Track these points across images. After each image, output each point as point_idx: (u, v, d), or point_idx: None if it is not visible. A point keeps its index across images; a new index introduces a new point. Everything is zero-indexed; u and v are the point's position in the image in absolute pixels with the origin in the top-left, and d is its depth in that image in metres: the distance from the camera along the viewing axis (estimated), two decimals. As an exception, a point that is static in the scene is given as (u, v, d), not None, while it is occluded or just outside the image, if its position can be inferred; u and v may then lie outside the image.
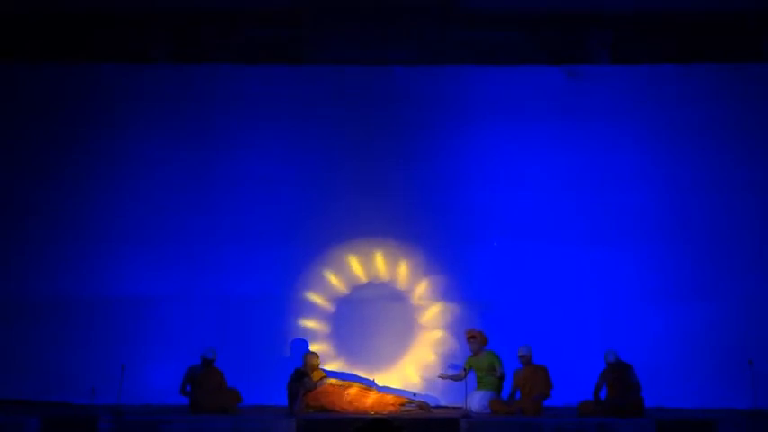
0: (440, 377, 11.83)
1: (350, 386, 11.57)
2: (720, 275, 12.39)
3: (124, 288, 12.36)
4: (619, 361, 11.21)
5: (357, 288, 12.61)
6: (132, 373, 11.06)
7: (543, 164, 12.70)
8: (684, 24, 12.93)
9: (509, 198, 12.64)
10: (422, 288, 12.57)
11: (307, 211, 12.58)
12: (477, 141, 12.76)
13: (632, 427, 10.24)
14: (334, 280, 12.59)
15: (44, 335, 12.19)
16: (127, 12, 12.83)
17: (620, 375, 11.15)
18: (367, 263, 12.63)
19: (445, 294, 12.52)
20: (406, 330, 12.49)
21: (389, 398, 11.51)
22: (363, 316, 12.46)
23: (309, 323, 12.47)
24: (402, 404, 11.42)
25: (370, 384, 11.93)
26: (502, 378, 11.53)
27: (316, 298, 12.53)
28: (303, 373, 11.45)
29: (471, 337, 11.72)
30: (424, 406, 11.53)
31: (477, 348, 11.64)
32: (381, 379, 12.16)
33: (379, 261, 12.63)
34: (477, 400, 11.32)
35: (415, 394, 11.92)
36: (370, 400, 11.40)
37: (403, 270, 12.61)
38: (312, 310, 12.51)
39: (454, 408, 11.61)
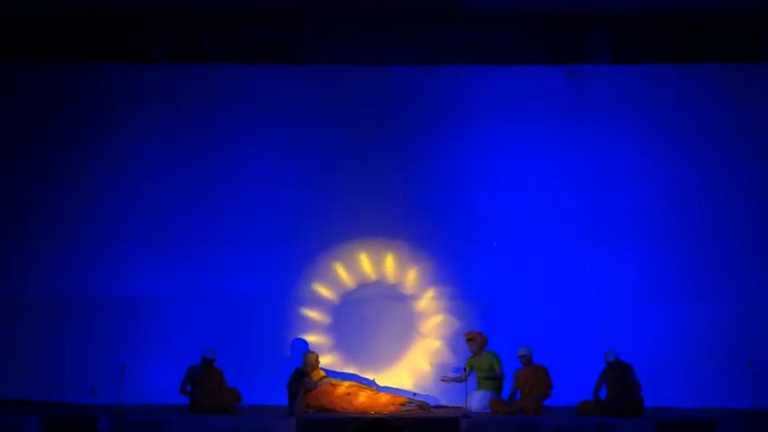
0: (442, 380, 11.80)
1: (350, 386, 11.57)
2: (720, 275, 12.39)
3: (124, 288, 12.36)
4: (619, 361, 11.21)
5: (357, 288, 12.61)
6: (132, 373, 11.06)
7: (543, 164, 12.70)
8: (684, 24, 12.93)
9: (509, 198, 12.64)
10: (422, 288, 12.56)
11: (307, 212, 12.58)
12: (477, 141, 12.77)
13: (632, 427, 10.25)
14: (333, 280, 12.59)
15: (44, 335, 12.19)
16: (127, 12, 12.83)
17: (619, 375, 11.15)
18: (366, 263, 12.63)
19: (445, 294, 12.51)
20: (407, 330, 12.49)
21: (389, 398, 11.51)
22: (364, 315, 12.47)
23: (309, 323, 12.46)
24: (402, 404, 11.42)
25: (370, 384, 11.93)
26: (501, 378, 11.53)
27: (315, 298, 12.52)
28: (303, 373, 11.45)
29: (470, 339, 11.71)
30: (424, 406, 11.53)
31: (476, 350, 11.65)
32: (381, 379, 12.15)
33: (379, 261, 12.62)
34: (477, 400, 11.32)
35: (415, 394, 11.92)
36: (370, 400, 11.40)
37: (403, 270, 12.61)
38: (312, 309, 12.50)
39: (454, 408, 11.61)
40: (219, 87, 12.85)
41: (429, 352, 12.43)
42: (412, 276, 12.59)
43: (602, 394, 11.28)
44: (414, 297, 12.56)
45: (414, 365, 12.38)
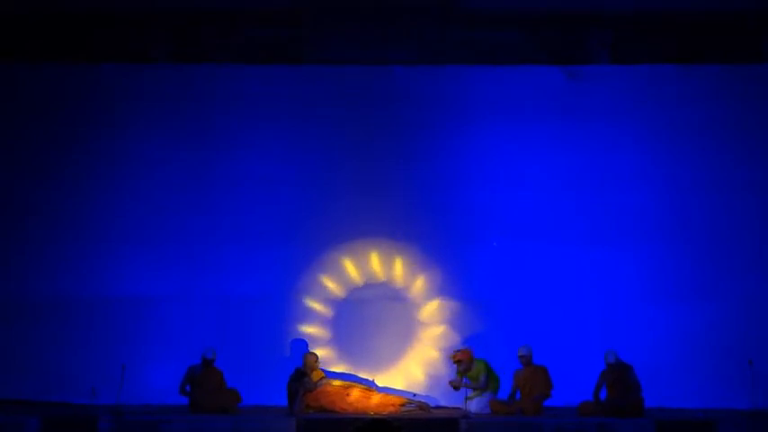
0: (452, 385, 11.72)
1: (350, 386, 11.57)
2: (720, 275, 12.38)
3: (124, 288, 12.35)
4: (619, 361, 11.21)
5: (357, 288, 12.61)
6: (132, 373, 11.07)
7: (543, 164, 12.69)
8: (684, 24, 12.92)
9: (509, 198, 12.63)
10: (422, 288, 12.56)
11: (307, 212, 12.58)
12: (477, 141, 12.76)
13: (632, 427, 10.26)
14: (334, 280, 12.59)
15: (44, 335, 12.19)
16: (127, 12, 12.82)
17: (620, 376, 11.15)
18: (367, 263, 12.63)
19: (445, 294, 12.51)
20: (406, 331, 12.49)
21: (389, 398, 11.51)
22: (363, 316, 12.46)
23: (309, 323, 12.46)
24: (402, 404, 11.42)
25: (369, 385, 11.93)
26: (483, 389, 11.41)
27: (316, 298, 12.53)
28: (303, 373, 11.45)
29: (458, 361, 11.59)
30: (423, 406, 11.52)
31: (465, 369, 11.50)
32: (381, 380, 12.15)
33: (380, 261, 12.62)
34: (476, 401, 11.33)
35: (414, 394, 11.92)
36: (370, 400, 11.40)
37: (403, 270, 12.61)
38: (312, 310, 12.50)
39: (454, 408, 11.61)
40: (219, 87, 12.84)
41: (425, 360, 12.40)
42: (412, 275, 12.58)
43: (603, 395, 11.28)
44: (411, 297, 12.54)
45: (408, 372, 12.36)
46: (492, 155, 12.74)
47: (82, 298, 12.33)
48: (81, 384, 11.40)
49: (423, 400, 11.68)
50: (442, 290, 12.53)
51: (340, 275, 12.60)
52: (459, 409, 11.26)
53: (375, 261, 12.63)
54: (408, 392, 12.00)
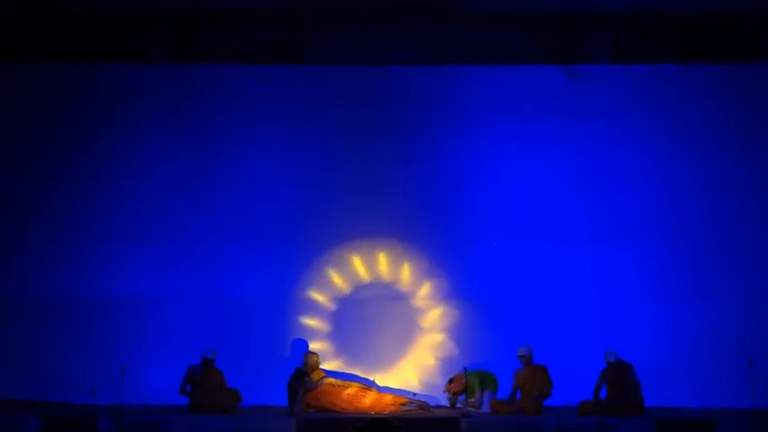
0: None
1: (350, 386, 11.57)
2: (720, 275, 12.38)
3: (124, 288, 12.35)
4: (619, 361, 11.21)
5: (357, 288, 12.61)
6: (132, 373, 11.07)
7: (543, 164, 12.69)
8: (684, 24, 12.92)
9: (509, 198, 12.63)
10: (422, 288, 12.57)
11: (307, 212, 12.58)
12: (477, 141, 12.76)
13: (632, 426, 10.26)
14: (334, 280, 12.59)
15: (44, 335, 12.19)
16: (127, 12, 12.82)
17: (620, 375, 11.15)
18: (367, 263, 12.63)
19: (445, 294, 12.51)
20: (407, 331, 12.49)
21: (389, 398, 11.51)
22: (364, 316, 12.46)
23: (310, 323, 12.47)
24: (402, 404, 11.42)
25: (369, 384, 11.93)
26: (477, 408, 11.40)
27: (316, 298, 12.53)
28: (303, 373, 11.45)
29: (454, 393, 11.56)
30: (423, 406, 11.52)
31: (461, 391, 11.49)
32: (381, 379, 12.15)
33: (379, 261, 12.63)
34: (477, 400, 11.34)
35: (414, 394, 11.92)
36: (370, 399, 11.40)
37: (403, 270, 12.61)
38: (312, 310, 12.51)
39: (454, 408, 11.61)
40: (219, 87, 12.84)
41: (433, 346, 12.41)
42: (412, 275, 12.58)
43: (603, 394, 11.28)
44: (411, 296, 12.55)
45: (415, 364, 12.37)
46: (492, 155, 12.74)
47: (82, 298, 12.33)
48: (81, 384, 11.40)
49: (423, 400, 11.68)
50: (442, 289, 12.53)
51: (340, 275, 12.60)
52: (459, 408, 11.26)
53: (374, 261, 12.62)
54: (408, 392, 12.00)
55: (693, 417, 10.73)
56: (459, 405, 11.49)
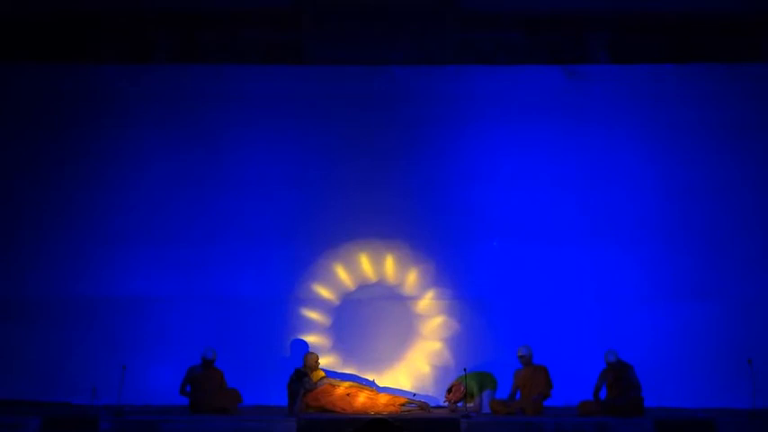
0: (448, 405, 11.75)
1: (350, 386, 11.57)
2: (720, 275, 12.39)
3: (124, 288, 12.36)
4: (619, 361, 11.21)
5: (357, 288, 12.61)
6: (132, 374, 11.06)
7: (543, 164, 12.70)
8: (684, 24, 12.93)
9: (509, 198, 12.64)
10: (421, 288, 12.56)
11: (307, 212, 12.59)
12: (477, 141, 12.77)
13: (632, 427, 10.25)
14: (334, 280, 12.59)
15: (44, 335, 12.20)
16: (127, 12, 12.84)
17: (619, 375, 11.15)
18: (366, 263, 12.63)
19: (445, 294, 12.51)
20: (406, 332, 12.49)
21: (389, 398, 11.50)
22: (364, 316, 12.46)
23: (310, 322, 12.46)
24: (402, 404, 11.42)
25: (369, 385, 11.94)
26: (477, 411, 11.39)
27: (316, 298, 12.52)
28: (303, 374, 11.45)
29: (455, 402, 11.51)
30: (423, 406, 11.53)
31: (461, 396, 11.49)
32: (381, 379, 12.16)
33: (379, 262, 12.62)
34: (477, 401, 11.33)
35: (414, 394, 11.93)
36: (370, 400, 11.40)
37: (403, 270, 12.61)
38: (312, 309, 12.51)
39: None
40: (219, 87, 12.85)
41: (429, 353, 12.42)
42: (412, 277, 12.59)
43: (603, 394, 11.28)
44: (414, 298, 12.55)
45: (413, 367, 12.38)
46: (492, 154, 12.75)
47: (82, 298, 12.34)
48: (81, 384, 11.40)
49: (423, 400, 11.68)
50: (442, 289, 12.53)
51: (340, 275, 12.60)
52: (459, 408, 11.26)
53: (374, 261, 12.62)
54: (408, 392, 12.00)
55: (693, 417, 10.73)
56: (459, 412, 11.44)
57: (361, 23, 12.83)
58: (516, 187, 12.66)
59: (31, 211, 12.61)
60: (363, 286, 12.61)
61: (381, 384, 12.08)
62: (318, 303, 12.52)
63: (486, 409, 11.32)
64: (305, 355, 11.73)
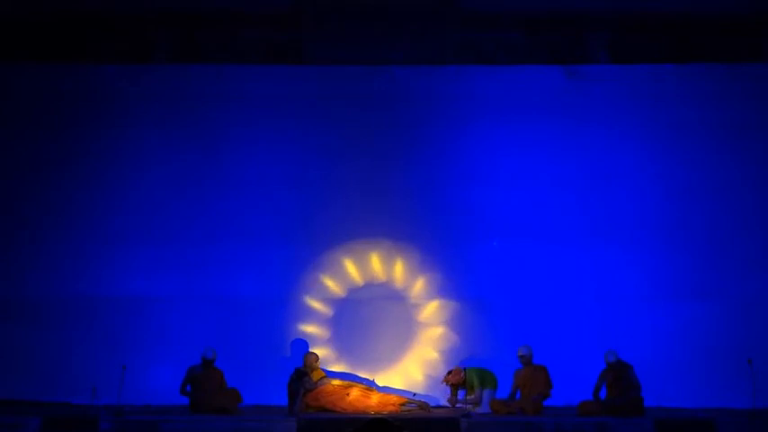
0: (448, 402, 11.77)
1: (350, 386, 11.57)
2: (720, 275, 12.39)
3: (124, 288, 12.35)
4: (619, 361, 11.21)
5: (357, 288, 12.61)
6: (132, 373, 11.06)
7: (543, 163, 12.70)
8: (684, 24, 12.93)
9: (509, 198, 12.64)
10: (421, 288, 12.56)
11: (307, 212, 12.59)
12: (477, 141, 12.77)
13: (632, 427, 10.25)
14: (334, 280, 12.59)
15: (44, 335, 12.19)
16: (127, 12, 12.83)
17: (619, 375, 11.15)
18: (367, 263, 12.63)
19: (445, 294, 12.51)
20: (406, 331, 12.49)
21: (389, 398, 11.50)
22: (363, 316, 12.46)
23: (309, 324, 12.47)
24: (402, 404, 11.41)
25: (370, 384, 11.94)
26: (477, 404, 11.41)
27: (316, 298, 12.53)
28: (303, 373, 11.45)
29: (452, 385, 11.61)
30: (424, 406, 11.52)
31: (459, 384, 11.55)
32: (384, 378, 12.16)
33: (380, 261, 12.63)
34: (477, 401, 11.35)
35: (414, 394, 11.92)
36: (370, 399, 11.40)
37: (403, 270, 12.61)
38: (312, 310, 12.51)
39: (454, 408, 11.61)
40: (219, 87, 12.85)
41: (424, 360, 12.41)
42: (410, 276, 12.58)
43: (602, 394, 11.28)
44: (411, 296, 12.54)
45: (414, 364, 12.37)
46: (492, 154, 12.75)
47: (82, 298, 12.33)
48: (81, 384, 11.39)
49: (423, 400, 11.67)
50: (442, 290, 12.53)
51: (340, 275, 12.60)
52: (459, 408, 11.26)
53: (375, 261, 12.63)
54: (408, 392, 12.00)
55: (693, 417, 10.73)
56: (459, 404, 11.49)
57: (361, 23, 12.83)
58: (516, 187, 12.66)
59: (31, 211, 12.61)
60: (363, 286, 12.61)
61: (381, 384, 12.08)
62: (318, 303, 12.52)
63: (486, 409, 11.31)
64: (305, 355, 11.74)
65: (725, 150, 12.63)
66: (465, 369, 11.52)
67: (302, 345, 12.15)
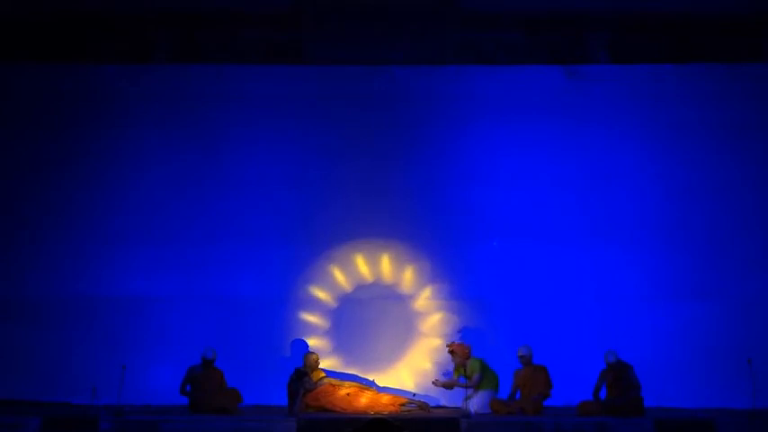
0: (433, 384, 11.80)
1: (350, 386, 11.58)
2: (720, 275, 12.39)
3: (124, 288, 12.35)
4: (619, 361, 11.21)
5: (357, 288, 12.61)
6: (132, 373, 11.05)
7: (543, 164, 12.70)
8: (684, 24, 12.93)
9: (509, 198, 12.64)
10: (421, 288, 12.56)
11: (307, 212, 12.59)
12: (477, 141, 12.77)
13: (631, 426, 10.25)
14: (334, 280, 12.59)
15: (44, 335, 12.19)
16: (127, 12, 12.83)
17: (619, 375, 11.15)
18: (366, 263, 12.63)
19: (445, 294, 12.51)
20: (406, 331, 12.49)
21: (389, 398, 11.50)
22: (364, 316, 12.46)
23: (310, 322, 12.46)
24: (402, 404, 11.42)
25: (369, 384, 11.94)
26: (474, 387, 11.43)
27: (316, 298, 12.52)
28: (303, 373, 11.45)
29: (451, 352, 11.67)
30: (423, 406, 11.52)
31: (459, 361, 11.59)
32: (381, 379, 12.15)
33: (380, 262, 12.62)
34: (477, 400, 11.33)
35: (414, 394, 11.92)
36: (370, 400, 11.40)
37: (402, 271, 12.61)
38: (312, 309, 12.51)
39: (454, 408, 11.61)
40: (219, 87, 12.84)
41: (430, 350, 12.42)
42: (410, 276, 12.59)
43: (602, 394, 11.28)
44: (411, 296, 12.55)
45: (414, 364, 12.38)
46: (492, 154, 12.75)
47: (82, 298, 12.33)
48: (81, 384, 11.38)
49: (423, 400, 11.67)
50: (442, 290, 12.53)
51: (340, 275, 12.60)
52: (459, 408, 11.26)
53: (375, 261, 12.62)
54: (408, 392, 11.99)
55: (693, 417, 10.73)
56: (461, 379, 11.45)
57: (361, 23, 12.82)
58: (516, 187, 12.66)
59: (31, 211, 12.61)
60: (363, 286, 12.62)
61: (381, 384, 12.08)
62: (318, 303, 12.53)
63: (486, 409, 11.31)
64: (305, 355, 11.74)
65: (725, 150, 12.63)
66: (472, 356, 11.53)
67: (302, 345, 12.15)
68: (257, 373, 11.87)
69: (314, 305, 12.51)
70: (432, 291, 12.54)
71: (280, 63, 13.02)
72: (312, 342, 12.26)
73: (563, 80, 12.88)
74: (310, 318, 12.48)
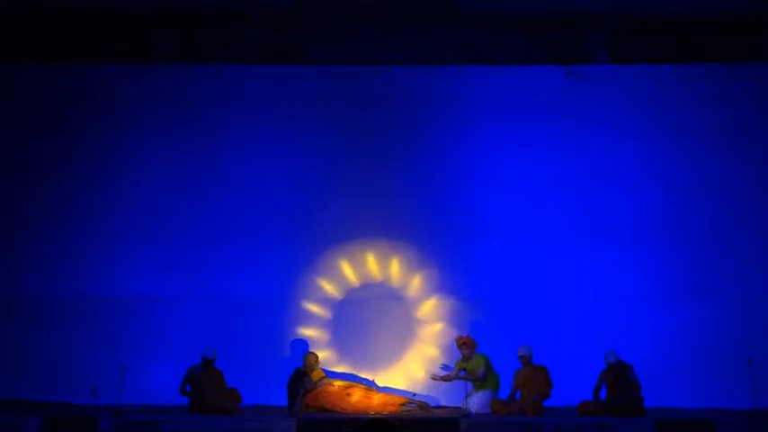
0: (432, 378, 11.81)
1: (349, 386, 11.57)
2: (720, 275, 12.39)
3: (124, 288, 12.36)
4: (619, 361, 11.21)
5: (356, 288, 12.61)
6: (132, 373, 11.06)
7: (543, 163, 12.70)
8: (684, 24, 12.93)
9: (509, 198, 12.64)
10: (421, 287, 12.56)
11: (307, 211, 12.59)
12: (477, 141, 12.77)
13: (631, 426, 10.25)
14: (334, 280, 12.59)
15: (44, 335, 12.19)
16: (127, 12, 12.84)
17: (619, 375, 11.15)
18: (366, 263, 12.63)
19: (445, 294, 12.51)
20: (406, 330, 12.49)
21: (389, 398, 11.50)
22: (362, 316, 12.47)
23: (309, 323, 12.47)
24: (402, 404, 11.41)
25: (369, 384, 11.94)
26: (479, 380, 11.45)
27: (315, 298, 12.53)
28: (303, 373, 11.45)
29: (463, 344, 11.69)
30: (424, 406, 11.52)
31: (468, 354, 11.63)
32: (380, 380, 12.15)
33: (378, 261, 12.62)
34: (476, 401, 11.33)
35: (414, 394, 11.92)
36: (370, 400, 11.40)
37: (403, 270, 12.61)
38: (312, 310, 12.51)
39: (454, 408, 11.61)
40: (219, 87, 12.85)
41: (425, 358, 12.40)
42: (416, 279, 12.59)
43: (602, 394, 11.28)
44: (415, 299, 12.55)
45: (408, 370, 12.37)
46: (492, 154, 12.76)
47: (82, 298, 12.34)
48: (81, 384, 11.39)
49: (423, 400, 11.67)
50: (442, 290, 12.53)
51: (340, 275, 12.60)
52: (459, 408, 11.27)
53: (374, 261, 12.63)
54: (408, 392, 12.00)
55: (693, 417, 10.73)
56: (463, 372, 11.47)
57: (361, 23, 12.82)
58: (516, 187, 12.66)
59: (31, 211, 12.62)
60: (363, 286, 12.61)
61: (381, 384, 12.08)
62: (318, 303, 12.52)
63: (486, 409, 11.31)
64: (305, 355, 11.74)
65: (725, 150, 12.63)
66: (477, 352, 11.57)
67: (302, 345, 12.15)
68: (257, 373, 11.88)
69: (314, 305, 12.51)
70: (431, 291, 12.54)
71: (280, 63, 13.03)
72: (312, 341, 12.25)
73: (563, 80, 12.89)
74: (310, 318, 12.47)
